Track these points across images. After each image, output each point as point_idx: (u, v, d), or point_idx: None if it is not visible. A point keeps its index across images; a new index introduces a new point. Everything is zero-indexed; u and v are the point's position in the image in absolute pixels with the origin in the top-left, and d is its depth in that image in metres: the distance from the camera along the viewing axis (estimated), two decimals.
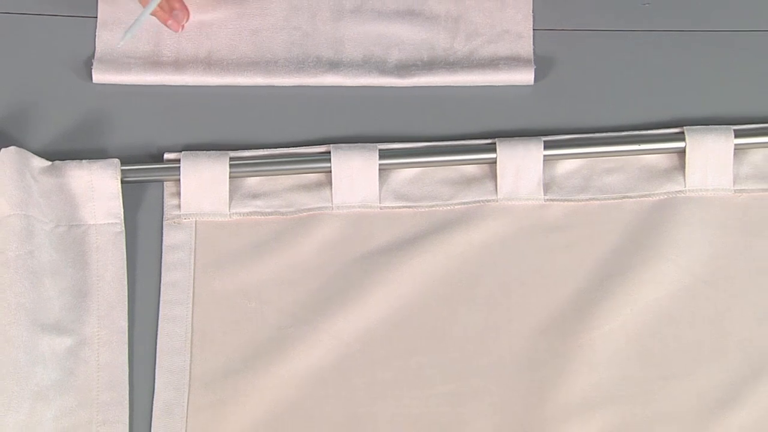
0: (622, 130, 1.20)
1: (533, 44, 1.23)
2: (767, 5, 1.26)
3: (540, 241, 1.16)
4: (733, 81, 1.23)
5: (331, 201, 1.17)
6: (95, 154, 1.18)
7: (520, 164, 1.17)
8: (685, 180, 1.18)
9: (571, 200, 1.18)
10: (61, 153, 1.17)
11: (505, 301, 1.14)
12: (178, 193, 1.17)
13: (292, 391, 1.11)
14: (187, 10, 1.21)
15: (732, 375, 1.12)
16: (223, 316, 1.14)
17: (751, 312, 1.14)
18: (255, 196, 1.18)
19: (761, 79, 1.23)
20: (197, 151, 1.17)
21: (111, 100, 1.21)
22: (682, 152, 1.18)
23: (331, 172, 1.17)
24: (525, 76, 1.21)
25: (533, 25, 1.24)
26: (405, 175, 1.18)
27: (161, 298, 1.14)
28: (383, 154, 1.17)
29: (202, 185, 1.16)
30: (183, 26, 1.23)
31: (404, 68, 1.22)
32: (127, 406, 1.11)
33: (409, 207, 1.18)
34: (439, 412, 1.11)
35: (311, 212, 1.17)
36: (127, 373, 1.12)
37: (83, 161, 1.16)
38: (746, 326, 1.13)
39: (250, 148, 1.19)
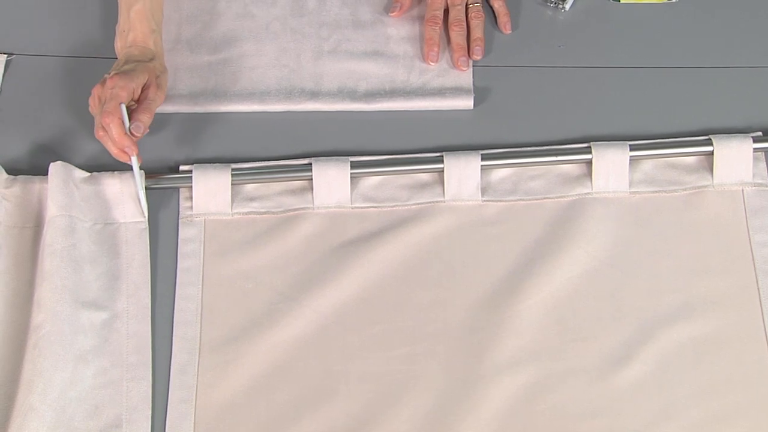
0: (543, 145, 1.27)
1: (473, 77, 1.31)
2: (654, 46, 1.32)
3: (478, 234, 1.23)
4: (629, 106, 1.30)
5: (313, 202, 1.24)
6: (125, 166, 1.23)
7: (463, 172, 1.24)
8: (591, 184, 1.24)
9: (503, 201, 1.24)
10: (98, 166, 1.24)
11: (450, 281, 1.20)
12: (191, 197, 1.24)
13: (281, 354, 1.17)
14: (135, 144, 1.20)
15: (627, 337, 1.17)
16: (226, 295, 1.20)
17: (642, 287, 1.20)
18: (252, 199, 1.24)
19: (650, 105, 1.30)
20: (206, 164, 1.24)
21: None
22: (589, 162, 1.25)
23: (312, 179, 1.24)
24: (466, 103, 1.29)
25: (472, 62, 1.32)
26: (371, 181, 1.25)
27: (177, 281, 1.20)
28: (354, 165, 1.24)
29: (209, 191, 1.23)
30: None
31: (371, 96, 1.30)
32: (150, 366, 1.16)
33: (375, 207, 1.24)
34: (397, 370, 1.17)
35: (296, 212, 1.24)
36: (150, 340, 1.17)
37: (115, 172, 1.23)
38: (638, 299, 1.19)
39: (248, 161, 1.26)
